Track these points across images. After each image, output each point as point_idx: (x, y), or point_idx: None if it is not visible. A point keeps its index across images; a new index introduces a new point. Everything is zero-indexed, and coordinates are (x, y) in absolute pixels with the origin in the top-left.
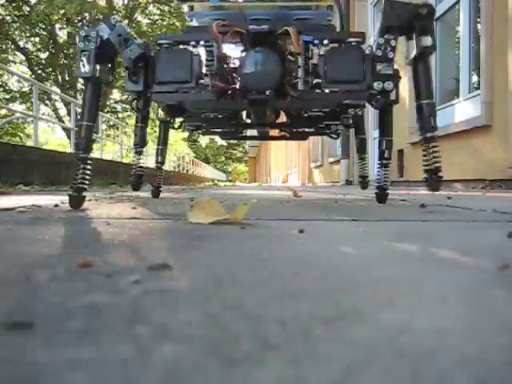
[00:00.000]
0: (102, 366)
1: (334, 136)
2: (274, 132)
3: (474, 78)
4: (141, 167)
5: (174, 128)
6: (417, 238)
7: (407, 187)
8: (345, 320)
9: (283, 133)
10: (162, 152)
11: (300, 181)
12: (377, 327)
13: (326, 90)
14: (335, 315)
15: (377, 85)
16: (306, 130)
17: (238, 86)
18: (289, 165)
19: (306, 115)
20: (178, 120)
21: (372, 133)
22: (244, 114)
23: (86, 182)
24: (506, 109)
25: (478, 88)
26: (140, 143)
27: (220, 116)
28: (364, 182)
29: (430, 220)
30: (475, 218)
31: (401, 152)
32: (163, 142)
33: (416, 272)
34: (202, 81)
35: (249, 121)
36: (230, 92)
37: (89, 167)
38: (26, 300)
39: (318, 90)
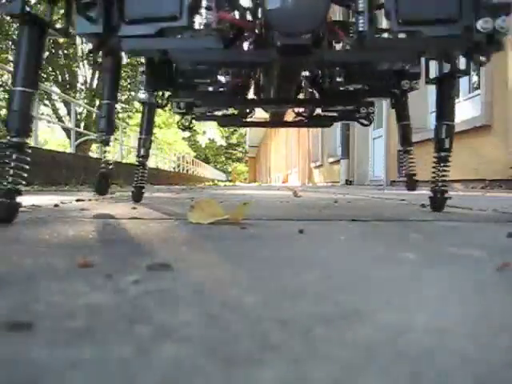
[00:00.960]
0: (102, 366)
1: (365, 122)
2: (284, 117)
3: (474, 78)
4: (107, 163)
5: (159, 107)
6: (417, 238)
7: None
8: (345, 320)
9: (299, 118)
10: (145, 143)
11: (300, 181)
12: (377, 327)
13: (401, 35)
14: (335, 315)
15: (483, 24)
16: (330, 114)
17: (258, 29)
18: (289, 165)
19: (341, 88)
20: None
21: (372, 132)
22: (252, 88)
23: (21, 180)
24: (505, 109)
25: (477, 88)
26: (107, 129)
27: (221, 89)
28: (411, 182)
29: (430, 220)
30: (475, 218)
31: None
32: (147, 129)
33: (416, 272)
34: (199, 17)
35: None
36: (245, 35)
37: (26, 158)
38: (26, 300)
39: (385, 35)
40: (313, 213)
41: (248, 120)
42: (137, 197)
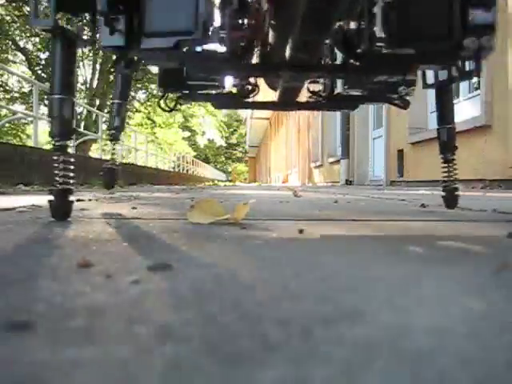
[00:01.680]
0: (102, 367)
1: (400, 104)
2: (297, 96)
3: (474, 78)
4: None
5: (126, 67)
6: (417, 238)
7: (407, 187)
8: (345, 320)
9: (314, 98)
10: (119, 110)
11: (300, 181)
12: (377, 327)
13: None
14: (335, 315)
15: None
16: (354, 93)
17: None
18: (289, 165)
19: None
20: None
21: (372, 132)
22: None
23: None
24: (506, 109)
25: (478, 88)
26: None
27: (223, 50)
28: (451, 198)
29: (430, 220)
30: (475, 217)
31: (401, 152)
32: (122, 92)
33: (416, 272)
34: None
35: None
36: None
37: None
38: (26, 300)
39: None
40: (313, 213)
41: (250, 101)
42: (108, 182)
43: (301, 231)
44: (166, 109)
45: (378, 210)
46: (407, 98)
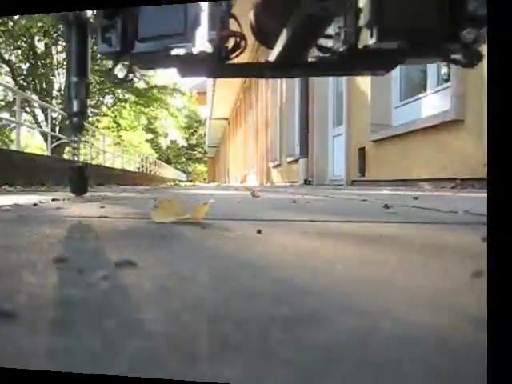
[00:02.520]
0: (74, 355)
1: (463, 59)
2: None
3: (444, 69)
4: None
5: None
6: (379, 240)
7: (369, 187)
8: (304, 323)
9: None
10: (79, 90)
11: (258, 181)
12: (338, 332)
13: None
14: (294, 318)
15: None
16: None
17: None
18: (247, 165)
19: None
20: None
21: (332, 130)
22: None
23: None
24: (480, 102)
25: (447, 80)
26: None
27: None
28: None
29: (393, 222)
30: (444, 219)
31: (362, 150)
32: (79, 67)
33: (378, 276)
34: None
35: None
36: None
37: None
38: (9, 292)
39: None
40: (271, 213)
41: (232, 63)
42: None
43: (259, 231)
44: (116, 80)
45: (338, 210)
46: (477, 48)
